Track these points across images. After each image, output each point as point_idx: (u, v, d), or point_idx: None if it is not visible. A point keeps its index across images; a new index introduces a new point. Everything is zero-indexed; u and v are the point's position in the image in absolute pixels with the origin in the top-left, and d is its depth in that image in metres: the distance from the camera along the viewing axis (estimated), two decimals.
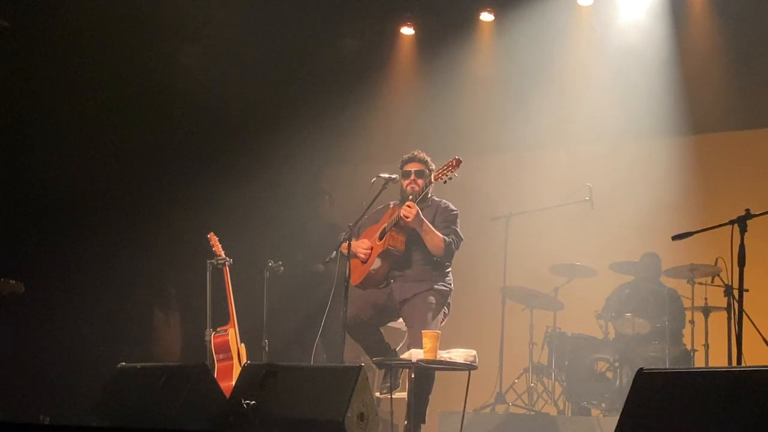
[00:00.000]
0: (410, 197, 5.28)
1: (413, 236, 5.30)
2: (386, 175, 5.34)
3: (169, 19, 7.10)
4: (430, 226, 5.27)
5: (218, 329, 6.18)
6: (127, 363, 4.93)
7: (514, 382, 7.25)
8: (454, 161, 5.15)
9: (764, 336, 5.58)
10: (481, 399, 6.92)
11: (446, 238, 5.29)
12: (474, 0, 8.15)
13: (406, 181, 5.44)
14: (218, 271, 6.29)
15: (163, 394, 4.54)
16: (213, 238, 6.39)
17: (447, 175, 5.16)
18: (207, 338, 6.15)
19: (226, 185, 7.53)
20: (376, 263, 5.35)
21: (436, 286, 5.34)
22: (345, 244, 5.22)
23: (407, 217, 5.16)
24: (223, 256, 6.31)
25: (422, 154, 5.50)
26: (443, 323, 5.43)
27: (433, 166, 5.46)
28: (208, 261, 6.29)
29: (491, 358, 6.97)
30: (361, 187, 5.46)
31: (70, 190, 6.90)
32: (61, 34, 6.78)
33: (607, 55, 7.81)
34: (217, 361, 6.10)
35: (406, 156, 5.53)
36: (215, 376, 5.80)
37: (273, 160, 7.88)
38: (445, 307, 5.43)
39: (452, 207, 5.45)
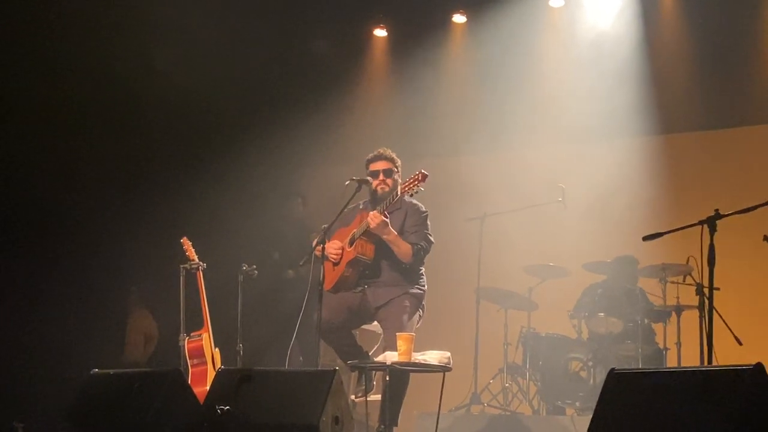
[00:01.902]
0: (379, 207, 5.20)
1: (383, 242, 5.29)
2: (359, 178, 5.34)
3: (141, 22, 7.06)
4: (397, 236, 5.22)
5: (192, 334, 6.15)
6: (100, 369, 4.89)
7: (489, 383, 7.28)
8: (419, 175, 5.02)
9: (735, 334, 5.66)
10: (456, 400, 6.94)
11: (415, 245, 5.27)
12: (446, 2, 8.18)
13: (376, 182, 5.39)
14: (192, 276, 6.26)
15: (136, 400, 4.50)
16: (186, 243, 6.36)
17: (413, 189, 5.05)
18: (181, 343, 6.12)
19: (199, 189, 7.50)
20: (347, 269, 5.34)
21: (410, 290, 5.33)
22: (319, 247, 5.21)
23: (373, 228, 5.14)
24: (197, 260, 6.28)
25: (387, 152, 5.44)
26: (418, 325, 5.43)
27: (399, 162, 5.45)
28: (182, 265, 6.26)
29: (466, 359, 6.98)
30: (335, 188, 5.46)
31: (40, 196, 6.85)
32: (30, 40, 6.72)
33: (578, 55, 7.87)
34: (191, 366, 6.07)
35: (370, 155, 5.46)
36: (189, 381, 5.78)
37: (246, 163, 7.86)
38: (420, 309, 5.42)
39: (422, 208, 5.41)
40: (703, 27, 7.44)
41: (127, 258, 7.18)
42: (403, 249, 5.23)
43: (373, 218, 5.12)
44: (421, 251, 5.31)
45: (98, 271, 7.10)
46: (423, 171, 5.03)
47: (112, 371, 4.84)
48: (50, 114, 6.87)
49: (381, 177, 5.38)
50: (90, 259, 7.06)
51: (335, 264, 5.40)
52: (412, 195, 5.15)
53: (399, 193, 5.13)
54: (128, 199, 7.34)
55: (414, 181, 5.05)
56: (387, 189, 5.35)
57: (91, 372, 4.84)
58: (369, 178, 5.39)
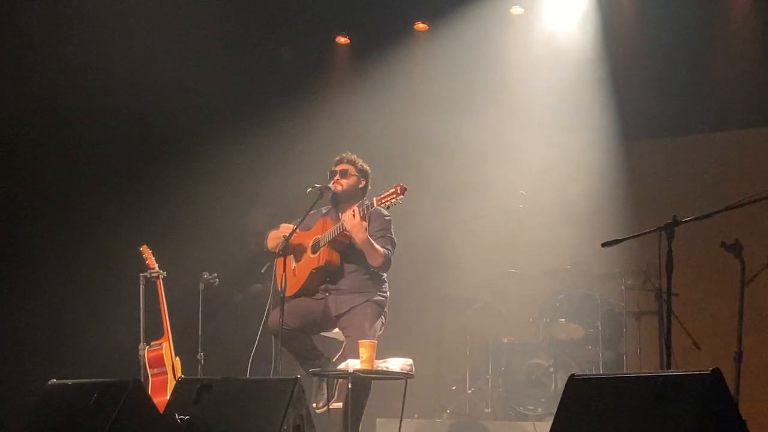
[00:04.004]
0: (359, 207, 5.16)
1: (348, 247, 5.28)
2: (321, 185, 5.34)
3: (98, 27, 6.99)
4: (372, 241, 5.20)
5: (152, 343, 6.10)
6: (57, 379, 4.82)
7: (453, 389, 7.30)
8: (398, 189, 5.00)
9: (694, 339, 5.73)
10: (419, 407, 6.94)
11: (386, 251, 5.27)
12: (409, 10, 8.22)
13: (332, 182, 5.44)
14: (152, 284, 6.21)
15: (95, 410, 4.44)
16: (146, 251, 6.31)
17: (390, 202, 5.03)
18: (141, 353, 6.07)
19: (160, 196, 7.43)
20: (311, 277, 5.32)
21: (373, 297, 5.32)
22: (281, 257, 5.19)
23: (350, 228, 5.12)
24: (157, 268, 6.23)
25: (350, 155, 5.49)
26: (381, 332, 5.42)
27: (362, 165, 5.47)
28: (141, 274, 6.21)
29: (429, 366, 6.99)
30: (300, 196, 5.45)
31: None
32: None
33: (539, 63, 7.93)
34: (151, 375, 6.02)
35: (336, 158, 5.53)
36: (150, 391, 5.73)
37: (209, 171, 7.80)
38: (382, 316, 5.41)
39: (385, 212, 5.36)
40: (663, 34, 7.52)
41: (85, 267, 7.08)
42: (376, 253, 5.21)
43: (350, 218, 5.11)
44: (390, 258, 5.31)
45: (57, 280, 6.99)
46: (402, 185, 5.02)
47: (70, 381, 4.78)
48: (3, 119, 6.77)
49: (337, 177, 5.44)
50: (48, 268, 6.96)
51: (297, 260, 5.37)
52: (388, 207, 5.13)
53: (374, 204, 5.10)
54: (87, 207, 7.24)
55: (392, 194, 5.03)
56: (340, 188, 5.39)
57: (49, 382, 4.77)
58: (331, 185, 5.40)
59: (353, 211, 5.12)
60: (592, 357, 6.86)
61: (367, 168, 5.52)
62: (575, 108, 7.70)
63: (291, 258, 5.47)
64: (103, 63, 7.12)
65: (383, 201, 5.06)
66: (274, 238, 5.38)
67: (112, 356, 6.57)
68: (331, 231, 5.25)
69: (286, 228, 5.37)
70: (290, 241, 5.26)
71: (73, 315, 6.96)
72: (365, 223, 5.14)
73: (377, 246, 5.20)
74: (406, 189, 5.01)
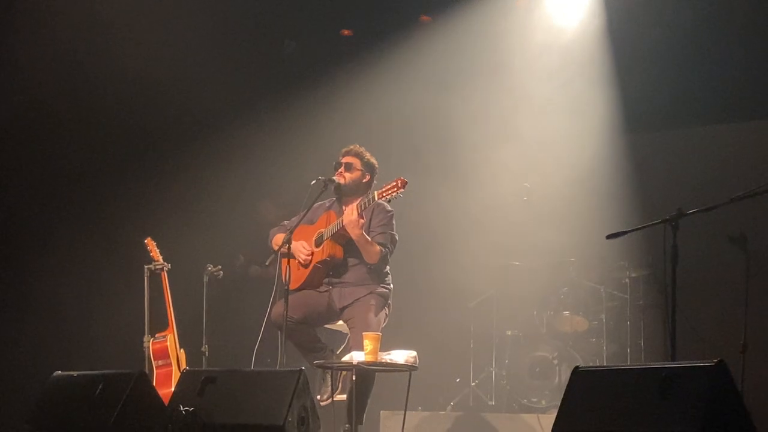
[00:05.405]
0: (359, 204, 5.17)
1: (350, 241, 5.28)
2: (326, 177, 5.34)
3: (104, 17, 6.99)
4: (367, 237, 5.23)
5: (157, 335, 6.12)
6: (62, 371, 4.84)
7: (457, 382, 7.30)
8: (399, 182, 5.00)
9: (698, 331, 5.72)
10: (423, 399, 6.95)
11: (382, 249, 5.27)
12: (413, 3, 8.20)
13: (336, 174, 5.44)
14: (156, 277, 6.21)
15: (100, 402, 4.46)
16: (150, 243, 6.31)
17: (391, 195, 5.02)
18: (145, 345, 6.08)
19: (165, 188, 7.43)
20: (315, 270, 5.32)
21: (376, 290, 5.33)
22: (285, 247, 5.18)
23: (346, 223, 5.13)
24: (161, 260, 6.24)
25: (357, 148, 5.48)
26: (384, 324, 5.43)
27: (369, 159, 5.46)
28: (146, 266, 6.22)
29: (434, 358, 6.99)
30: (304, 188, 5.45)
31: None
32: None
33: (544, 54, 7.89)
34: (156, 367, 6.04)
35: (344, 149, 5.52)
36: (154, 383, 5.74)
37: (213, 162, 7.80)
38: (386, 308, 5.42)
39: (388, 207, 5.38)
40: (669, 26, 7.49)
41: (90, 258, 7.08)
42: (371, 250, 5.22)
43: (349, 214, 5.11)
44: (387, 255, 5.32)
45: (60, 273, 7.00)
46: (403, 178, 5.01)
47: (75, 373, 4.79)
48: (7, 110, 6.77)
49: (341, 169, 5.43)
50: (51, 260, 6.96)
51: (305, 266, 5.38)
52: (389, 201, 5.13)
53: (375, 198, 5.10)
54: (91, 198, 7.24)
55: (393, 188, 5.03)
56: (343, 181, 5.39)
57: (54, 374, 4.79)
58: (335, 178, 5.39)
59: (352, 207, 5.12)
60: (597, 349, 6.86)
61: (374, 162, 5.51)
62: (580, 100, 7.68)
63: None
64: (109, 55, 7.11)
65: (384, 195, 5.06)
66: (278, 243, 5.38)
67: (116, 348, 6.60)
68: (334, 225, 5.27)
69: (303, 247, 5.37)
70: (294, 235, 5.28)
71: (78, 307, 6.98)
72: (362, 220, 5.15)
73: (372, 243, 5.21)
74: (407, 183, 5.01)
